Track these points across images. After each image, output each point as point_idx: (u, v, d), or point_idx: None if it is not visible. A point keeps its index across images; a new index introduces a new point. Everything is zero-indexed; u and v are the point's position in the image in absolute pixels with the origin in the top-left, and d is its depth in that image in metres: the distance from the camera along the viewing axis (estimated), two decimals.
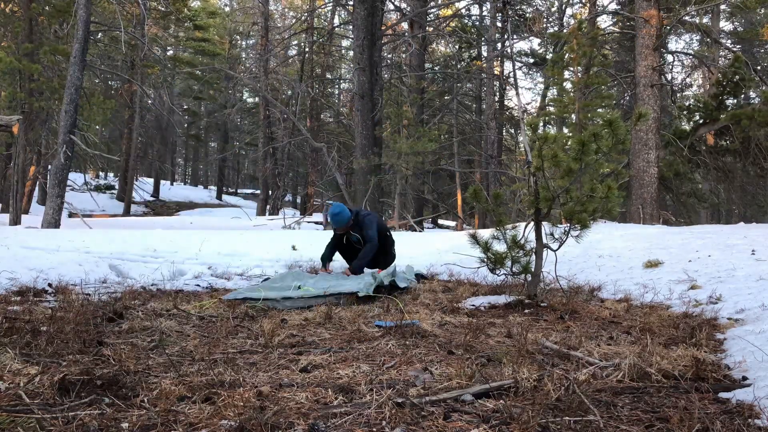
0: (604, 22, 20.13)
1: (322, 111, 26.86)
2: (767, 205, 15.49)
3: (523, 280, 4.40)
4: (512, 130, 26.50)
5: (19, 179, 13.64)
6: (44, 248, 5.79)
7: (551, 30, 21.64)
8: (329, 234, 6.61)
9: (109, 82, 26.16)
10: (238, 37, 35.01)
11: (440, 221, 24.35)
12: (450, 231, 16.94)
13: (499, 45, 20.18)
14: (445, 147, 21.36)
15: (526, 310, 3.91)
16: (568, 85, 19.56)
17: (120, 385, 2.14)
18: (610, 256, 6.38)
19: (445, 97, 23.24)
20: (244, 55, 36.00)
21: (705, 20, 17.02)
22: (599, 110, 17.75)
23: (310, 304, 4.13)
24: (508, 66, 23.91)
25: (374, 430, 1.78)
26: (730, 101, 12.63)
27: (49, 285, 4.55)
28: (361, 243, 5.77)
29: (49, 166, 13.55)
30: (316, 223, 17.72)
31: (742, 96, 13.30)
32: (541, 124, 20.33)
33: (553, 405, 1.98)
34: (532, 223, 4.29)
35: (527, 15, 22.26)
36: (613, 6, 18.32)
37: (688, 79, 22.41)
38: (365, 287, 4.35)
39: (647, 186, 12.03)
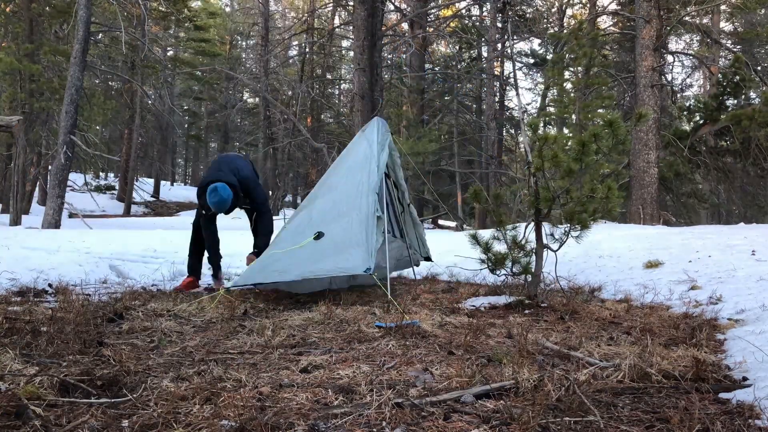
0: (604, 22, 20.14)
1: (322, 111, 26.86)
2: (767, 205, 15.48)
3: (524, 280, 4.39)
4: (512, 131, 26.48)
5: (20, 180, 13.64)
6: (44, 249, 5.79)
7: (551, 30, 21.65)
8: None
9: (110, 83, 26.16)
10: (238, 37, 35.02)
11: (440, 222, 24.34)
12: (450, 232, 16.92)
13: (499, 45, 20.18)
14: (445, 147, 21.35)
15: (527, 311, 3.91)
16: (568, 86, 19.58)
17: (120, 386, 2.14)
18: (611, 257, 6.37)
19: (446, 98, 23.24)
20: (244, 56, 36.00)
21: (705, 20, 17.02)
22: (599, 111, 17.76)
23: (318, 289, 4.12)
24: (508, 66, 23.94)
25: (374, 430, 1.78)
26: (730, 102, 12.61)
27: (50, 285, 4.55)
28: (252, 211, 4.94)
29: (50, 167, 13.55)
30: None
31: (743, 96, 13.26)
32: (542, 124, 20.33)
33: (553, 405, 1.98)
34: (533, 224, 4.29)
35: (527, 15, 22.29)
36: (613, 6, 18.31)
37: (688, 80, 22.45)
38: (370, 255, 3.95)
39: (647, 186, 12.01)
